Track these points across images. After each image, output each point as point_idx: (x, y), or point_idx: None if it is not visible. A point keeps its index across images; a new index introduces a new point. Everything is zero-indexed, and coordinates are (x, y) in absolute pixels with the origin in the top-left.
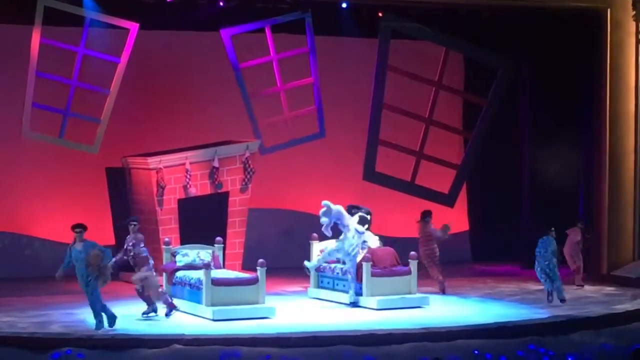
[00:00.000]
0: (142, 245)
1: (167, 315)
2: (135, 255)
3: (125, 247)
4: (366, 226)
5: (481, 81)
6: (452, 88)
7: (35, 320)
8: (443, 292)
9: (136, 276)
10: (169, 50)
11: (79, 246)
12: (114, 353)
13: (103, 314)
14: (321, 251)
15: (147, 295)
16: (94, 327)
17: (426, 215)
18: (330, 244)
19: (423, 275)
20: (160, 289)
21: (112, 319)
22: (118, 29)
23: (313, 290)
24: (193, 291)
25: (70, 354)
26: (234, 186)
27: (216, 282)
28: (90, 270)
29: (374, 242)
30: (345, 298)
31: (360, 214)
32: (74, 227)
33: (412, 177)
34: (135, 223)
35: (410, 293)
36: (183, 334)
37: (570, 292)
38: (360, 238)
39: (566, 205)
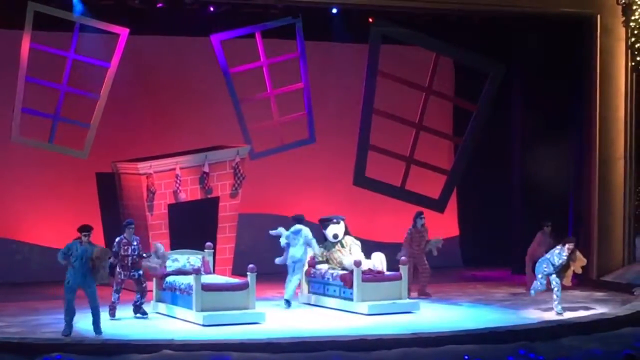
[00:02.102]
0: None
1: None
2: (139, 254)
3: (126, 247)
4: (336, 235)
5: (471, 86)
6: (443, 93)
7: (26, 325)
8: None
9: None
10: (159, 55)
11: (86, 245)
12: (104, 358)
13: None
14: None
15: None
16: (94, 332)
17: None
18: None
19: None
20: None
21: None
22: (108, 34)
23: (303, 296)
24: (183, 296)
25: (60, 359)
26: (224, 191)
27: (206, 288)
28: (92, 264)
29: (356, 251)
30: (333, 302)
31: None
32: (82, 229)
33: (402, 182)
34: (132, 226)
35: (400, 298)
36: (173, 339)
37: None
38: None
39: (556, 210)
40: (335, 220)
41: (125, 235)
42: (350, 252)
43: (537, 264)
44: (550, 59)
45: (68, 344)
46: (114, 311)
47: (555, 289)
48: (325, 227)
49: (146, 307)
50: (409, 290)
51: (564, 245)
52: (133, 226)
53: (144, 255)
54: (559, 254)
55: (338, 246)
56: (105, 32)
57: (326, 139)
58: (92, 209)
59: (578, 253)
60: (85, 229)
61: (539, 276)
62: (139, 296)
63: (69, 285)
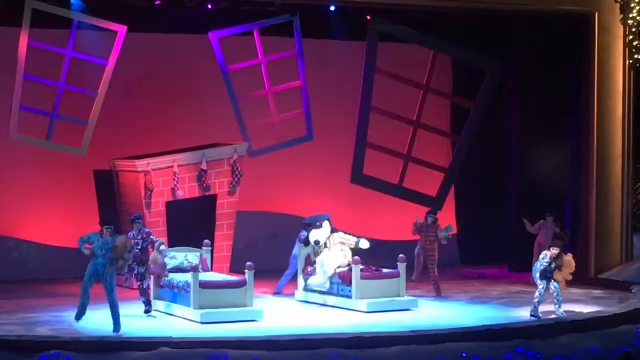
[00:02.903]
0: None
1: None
2: (146, 246)
3: (135, 241)
4: (317, 242)
5: (469, 84)
6: (440, 91)
7: (23, 322)
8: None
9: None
10: (157, 52)
11: (108, 238)
12: (101, 356)
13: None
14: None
15: (148, 294)
16: (112, 330)
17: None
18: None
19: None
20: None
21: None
22: (106, 31)
23: (301, 293)
24: (181, 294)
25: (58, 357)
26: (222, 189)
27: (204, 285)
28: (113, 253)
29: (364, 243)
30: (331, 300)
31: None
32: (104, 224)
33: (400, 179)
34: (140, 221)
35: (399, 295)
36: (171, 337)
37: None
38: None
39: (554, 208)
40: (317, 224)
41: (133, 230)
42: (340, 250)
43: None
44: (548, 57)
45: (65, 341)
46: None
47: (555, 294)
48: (308, 232)
49: (143, 305)
50: (416, 277)
51: (548, 249)
52: (141, 221)
53: (154, 241)
54: (542, 259)
55: (324, 250)
56: (103, 30)
57: (324, 137)
58: (90, 207)
59: (567, 258)
60: (108, 223)
61: (536, 275)
62: (141, 296)
63: (88, 272)
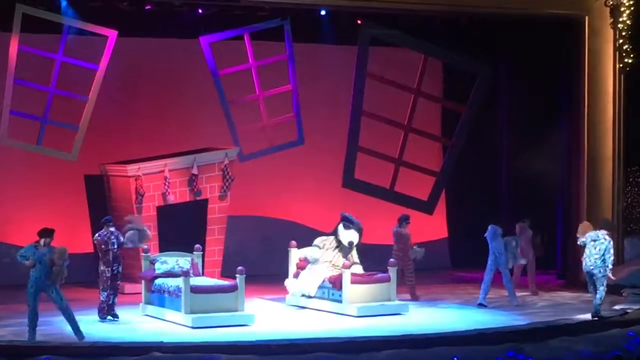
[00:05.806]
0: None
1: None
2: (120, 246)
3: (106, 242)
4: (350, 243)
5: (460, 88)
6: (431, 95)
7: (14, 328)
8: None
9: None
10: (148, 57)
11: (44, 249)
12: None
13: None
14: (301, 260)
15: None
16: (76, 336)
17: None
18: (308, 251)
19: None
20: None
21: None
22: (97, 36)
23: (292, 298)
24: (172, 299)
25: None
26: (213, 193)
27: (195, 290)
28: (53, 263)
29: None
30: (322, 304)
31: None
32: (41, 234)
33: (391, 184)
34: (111, 223)
35: (389, 300)
36: (162, 342)
37: (548, 299)
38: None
39: (545, 211)
40: (359, 227)
41: (104, 231)
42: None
43: (596, 278)
44: (538, 61)
45: (57, 346)
46: (103, 312)
47: (602, 288)
48: (346, 228)
49: (135, 310)
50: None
51: (601, 230)
52: (112, 222)
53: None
54: (606, 246)
55: (340, 250)
56: (93, 34)
57: (315, 141)
58: (81, 212)
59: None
60: (45, 233)
61: (601, 288)
62: (112, 295)
63: (32, 290)
